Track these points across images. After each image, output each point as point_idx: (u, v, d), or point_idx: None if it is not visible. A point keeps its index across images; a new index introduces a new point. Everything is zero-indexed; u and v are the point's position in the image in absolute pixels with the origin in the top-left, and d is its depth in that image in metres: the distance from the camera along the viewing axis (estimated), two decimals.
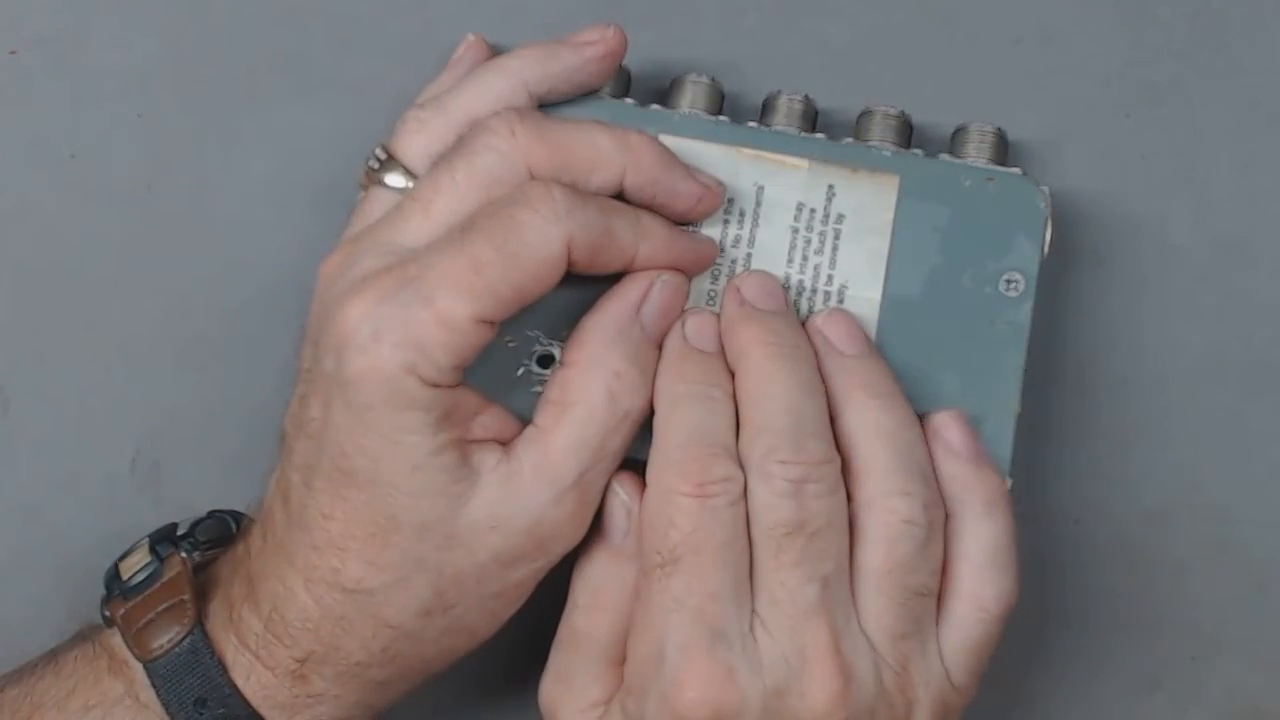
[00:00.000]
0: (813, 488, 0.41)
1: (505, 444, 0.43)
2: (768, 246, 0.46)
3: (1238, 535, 0.49)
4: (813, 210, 0.46)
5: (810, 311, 0.46)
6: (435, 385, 0.41)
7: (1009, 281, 0.46)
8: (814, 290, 0.46)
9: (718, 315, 0.44)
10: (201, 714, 0.42)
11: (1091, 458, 0.50)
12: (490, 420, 0.43)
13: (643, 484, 0.43)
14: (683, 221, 0.45)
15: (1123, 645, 0.49)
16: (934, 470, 0.43)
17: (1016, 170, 0.47)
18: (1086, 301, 0.50)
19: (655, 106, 0.47)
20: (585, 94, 0.47)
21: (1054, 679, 0.48)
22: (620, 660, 0.43)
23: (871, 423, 0.43)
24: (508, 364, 0.45)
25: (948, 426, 0.44)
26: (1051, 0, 0.51)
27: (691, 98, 0.47)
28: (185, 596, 0.44)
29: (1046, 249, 0.46)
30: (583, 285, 0.45)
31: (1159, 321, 0.50)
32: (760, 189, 0.46)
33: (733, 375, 0.43)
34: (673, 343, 0.44)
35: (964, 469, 0.43)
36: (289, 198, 0.50)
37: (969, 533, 0.43)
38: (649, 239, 0.43)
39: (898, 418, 0.43)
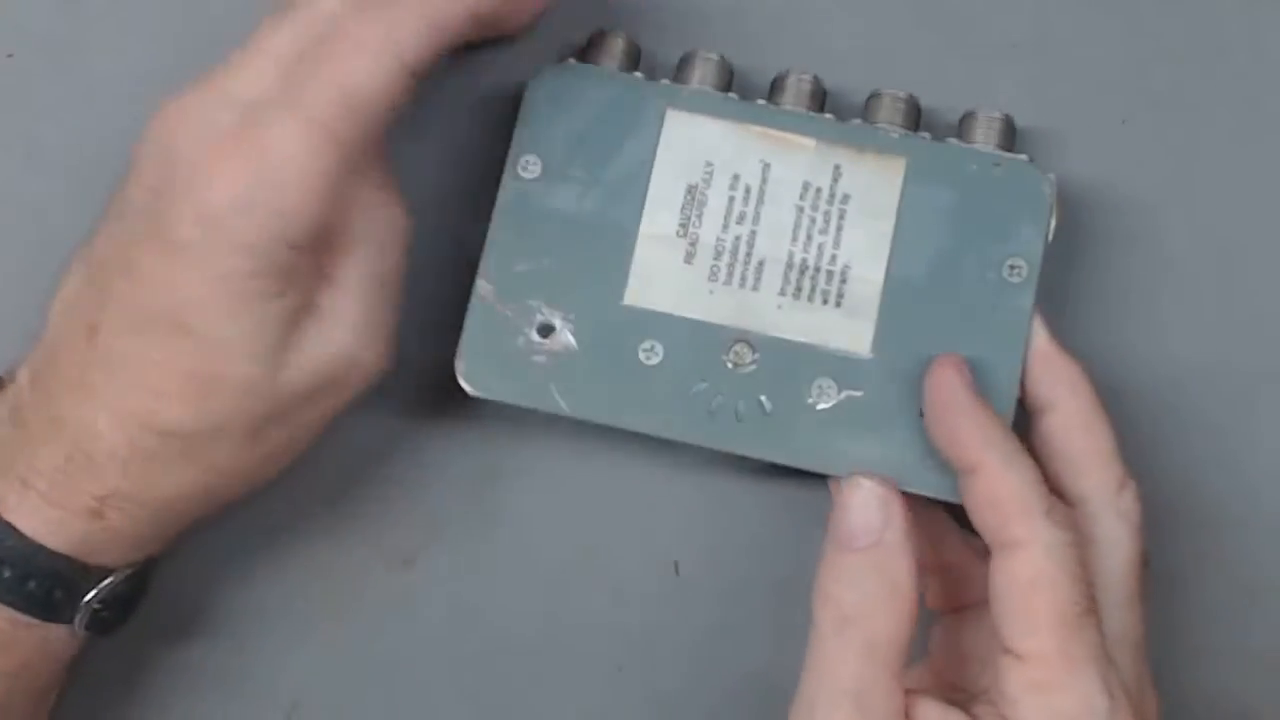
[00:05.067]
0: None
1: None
2: (773, 224, 0.46)
3: (1231, 542, 0.49)
4: (819, 190, 0.46)
5: (814, 291, 0.46)
6: (297, 246, 0.41)
7: (1012, 267, 0.46)
8: (817, 269, 0.46)
9: None
10: None
11: None
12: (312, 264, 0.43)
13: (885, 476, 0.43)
14: None
15: None
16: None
17: (1023, 157, 0.47)
18: (1082, 307, 0.50)
19: (664, 81, 0.47)
20: (590, 66, 0.47)
21: None
22: (901, 668, 0.41)
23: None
24: (508, 333, 0.45)
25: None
26: (1049, 5, 0.52)
27: (701, 74, 0.47)
28: None
29: (1050, 236, 0.46)
30: (581, 255, 0.45)
31: (1154, 327, 0.50)
32: (767, 166, 0.46)
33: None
34: (964, 398, 0.43)
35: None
36: None
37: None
38: None
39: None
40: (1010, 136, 0.47)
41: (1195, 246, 0.50)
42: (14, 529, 0.42)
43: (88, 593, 0.43)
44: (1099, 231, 0.50)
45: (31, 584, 0.42)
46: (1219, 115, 0.51)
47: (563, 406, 0.45)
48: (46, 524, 0.42)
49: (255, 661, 0.49)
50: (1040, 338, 0.45)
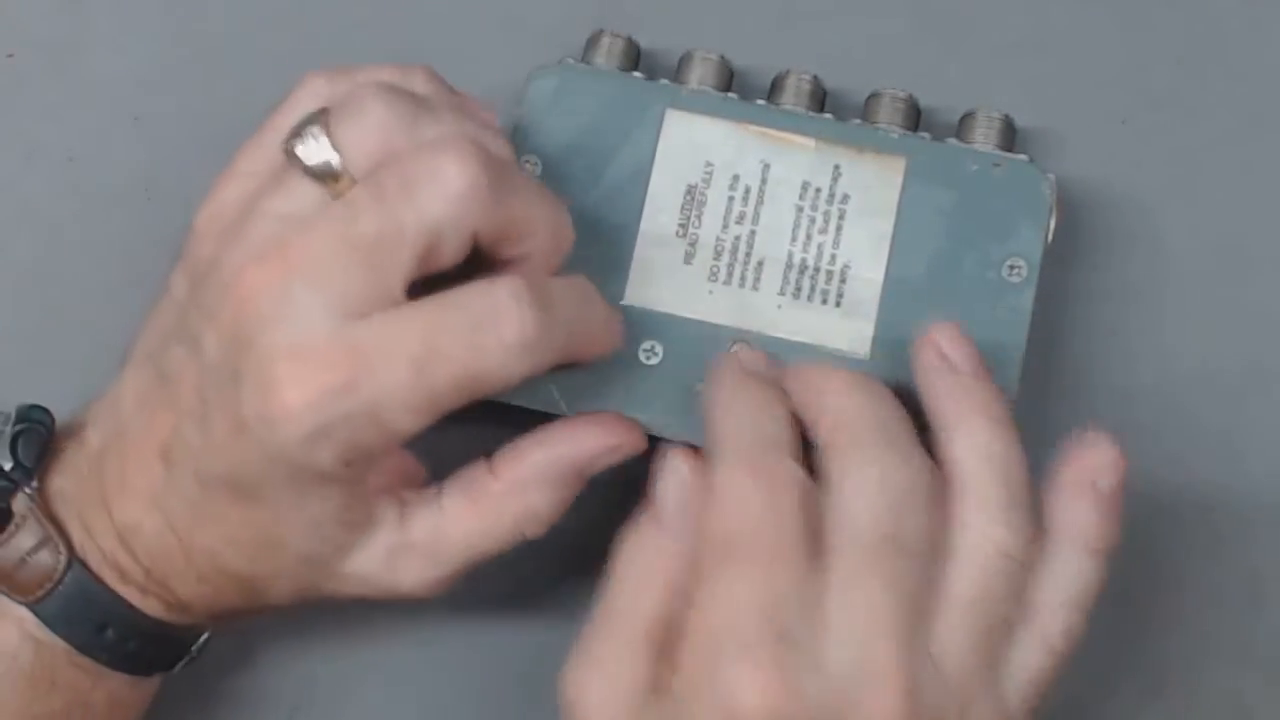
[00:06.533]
0: (911, 501, 0.40)
1: (401, 488, 0.43)
2: (772, 224, 0.46)
3: (1235, 540, 0.49)
4: (818, 189, 0.46)
5: (814, 291, 0.46)
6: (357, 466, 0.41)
7: (1012, 267, 0.46)
8: (817, 269, 0.46)
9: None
10: (104, 636, 0.42)
11: None
12: (392, 461, 0.43)
13: (701, 460, 0.42)
14: None
15: (1121, 652, 0.48)
16: (1046, 495, 0.42)
17: (1023, 157, 0.47)
18: (1081, 307, 0.50)
19: (664, 81, 0.47)
20: (590, 65, 0.47)
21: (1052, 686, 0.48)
22: (661, 645, 0.41)
23: (984, 446, 0.41)
24: None
25: (1102, 469, 0.42)
26: (1049, 5, 0.52)
27: (700, 74, 0.47)
28: (49, 531, 0.42)
29: (1050, 236, 0.46)
30: (581, 255, 0.45)
31: (1154, 327, 0.50)
32: (766, 166, 0.46)
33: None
34: (730, 364, 0.44)
35: (1089, 510, 0.42)
36: None
37: (1065, 568, 0.42)
38: (588, 336, 0.43)
39: (1010, 445, 0.42)
40: (1010, 136, 0.47)
41: (1195, 246, 0.50)
42: (127, 602, 0.42)
43: (191, 645, 0.45)
44: (1099, 231, 0.50)
45: (134, 644, 0.43)
46: (1219, 115, 0.51)
47: (563, 407, 0.45)
48: (148, 605, 0.43)
49: (255, 665, 0.49)
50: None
